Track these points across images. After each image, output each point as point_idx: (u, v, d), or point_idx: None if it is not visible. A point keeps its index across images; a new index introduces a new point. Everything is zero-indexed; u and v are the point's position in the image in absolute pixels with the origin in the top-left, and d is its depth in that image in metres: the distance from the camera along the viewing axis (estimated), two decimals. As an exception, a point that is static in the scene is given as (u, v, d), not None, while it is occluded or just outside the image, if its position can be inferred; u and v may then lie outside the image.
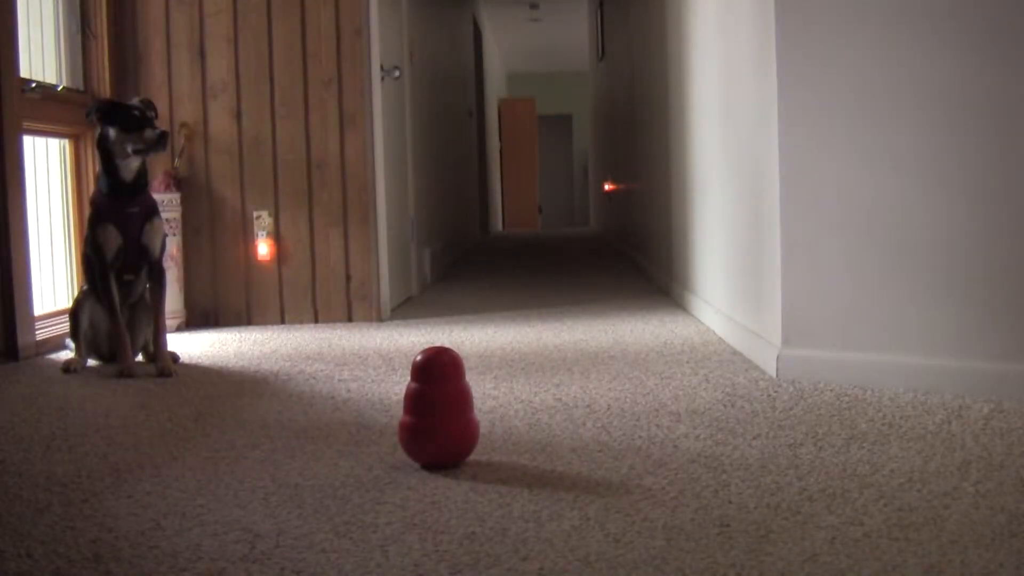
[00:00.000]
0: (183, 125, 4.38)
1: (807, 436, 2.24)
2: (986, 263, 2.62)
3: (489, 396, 2.75)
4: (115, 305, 3.21)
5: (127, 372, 3.16)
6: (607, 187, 10.05)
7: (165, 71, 4.38)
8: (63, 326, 3.93)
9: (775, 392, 2.71)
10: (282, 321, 4.44)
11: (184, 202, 4.36)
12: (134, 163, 3.23)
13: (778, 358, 2.88)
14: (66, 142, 4.23)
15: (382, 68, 4.64)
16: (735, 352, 3.37)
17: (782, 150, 2.85)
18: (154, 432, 2.42)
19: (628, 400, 2.67)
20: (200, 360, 3.49)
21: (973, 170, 2.62)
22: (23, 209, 3.57)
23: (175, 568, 1.53)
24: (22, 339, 3.50)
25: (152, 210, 3.30)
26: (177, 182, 4.35)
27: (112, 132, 3.20)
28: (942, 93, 2.64)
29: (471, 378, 2.99)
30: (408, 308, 4.97)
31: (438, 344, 3.62)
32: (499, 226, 14.78)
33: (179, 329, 4.29)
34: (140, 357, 3.40)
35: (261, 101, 4.40)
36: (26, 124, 3.67)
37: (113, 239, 3.20)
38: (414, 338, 3.90)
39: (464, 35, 9.75)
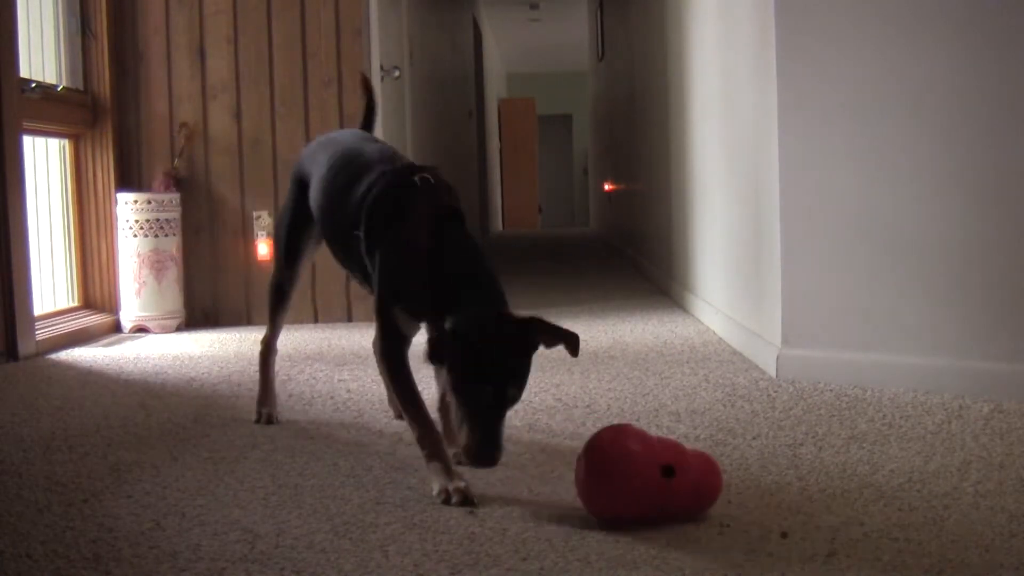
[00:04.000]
0: (183, 125, 4.38)
1: (807, 436, 2.24)
2: (986, 264, 2.62)
3: (489, 396, 2.75)
4: None
5: None
6: (607, 187, 10.05)
7: (165, 71, 4.38)
8: (63, 326, 3.93)
9: (775, 392, 2.71)
10: (282, 321, 4.43)
11: (184, 202, 4.36)
12: None
13: (778, 358, 2.88)
14: (66, 142, 4.23)
15: (382, 68, 4.64)
16: (735, 352, 3.37)
17: (782, 150, 2.85)
18: (154, 432, 2.42)
19: (628, 400, 2.67)
20: (200, 360, 3.49)
21: (973, 170, 2.62)
22: (23, 209, 3.57)
23: (175, 568, 1.53)
24: (22, 339, 3.50)
25: None
26: (177, 182, 4.35)
27: None
28: (942, 93, 2.64)
29: (471, 378, 2.99)
30: (408, 308, 4.97)
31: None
32: (499, 226, 14.78)
33: (179, 329, 4.29)
34: None
35: (261, 101, 4.40)
36: (26, 124, 3.67)
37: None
38: (414, 338, 3.89)
39: (464, 35, 9.75)
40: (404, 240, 1.98)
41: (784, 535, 1.60)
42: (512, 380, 1.77)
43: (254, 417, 2.52)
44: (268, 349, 2.63)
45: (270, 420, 2.50)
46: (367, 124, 2.69)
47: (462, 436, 1.76)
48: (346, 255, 2.21)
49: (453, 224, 1.97)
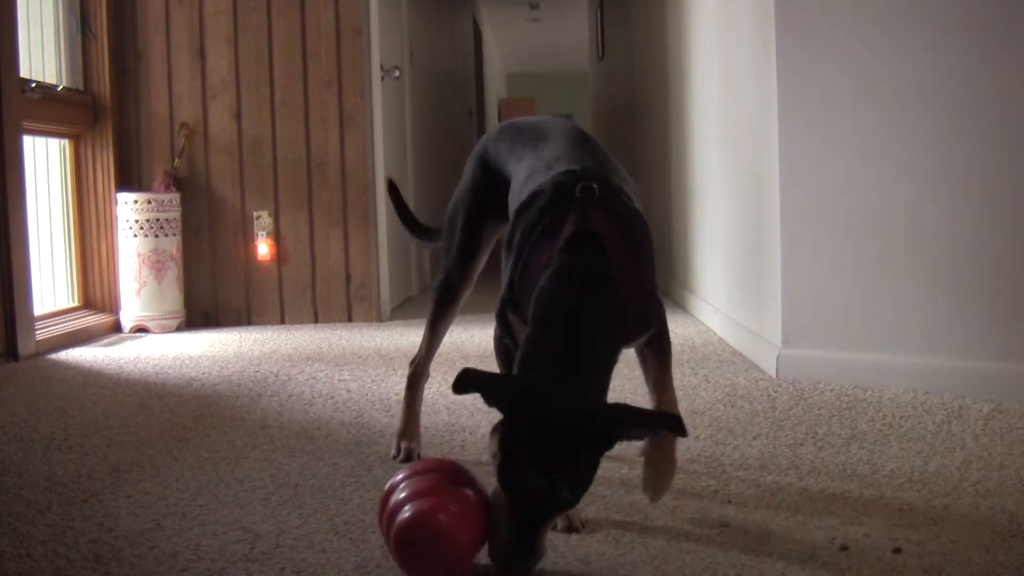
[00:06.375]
0: (183, 125, 4.38)
1: (807, 436, 2.24)
2: (986, 263, 2.62)
3: (489, 396, 2.75)
4: None
5: None
6: (607, 187, 10.02)
7: (165, 71, 4.38)
8: (63, 326, 3.93)
9: (775, 392, 2.71)
10: (282, 321, 4.44)
11: (184, 202, 4.36)
12: None
13: (778, 358, 2.88)
14: (66, 142, 4.23)
15: (382, 68, 4.64)
16: (735, 352, 3.36)
17: (782, 150, 2.85)
18: (154, 432, 2.42)
19: (628, 400, 2.66)
20: (200, 360, 3.49)
21: (973, 170, 2.62)
22: (23, 209, 3.57)
23: (175, 568, 1.53)
24: (22, 340, 3.50)
25: None
26: (177, 182, 4.35)
27: None
28: (943, 92, 2.64)
29: (471, 378, 2.98)
30: (408, 308, 4.97)
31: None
32: (499, 226, 14.75)
33: (179, 329, 4.29)
34: None
35: (261, 101, 4.40)
36: (26, 124, 3.67)
37: None
38: (414, 338, 3.89)
39: (464, 35, 9.75)
40: (531, 260, 1.62)
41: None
42: (568, 477, 1.38)
43: (392, 452, 2.11)
44: (420, 373, 2.16)
45: (410, 457, 2.07)
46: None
47: (494, 529, 1.43)
48: None
49: (582, 255, 1.56)
